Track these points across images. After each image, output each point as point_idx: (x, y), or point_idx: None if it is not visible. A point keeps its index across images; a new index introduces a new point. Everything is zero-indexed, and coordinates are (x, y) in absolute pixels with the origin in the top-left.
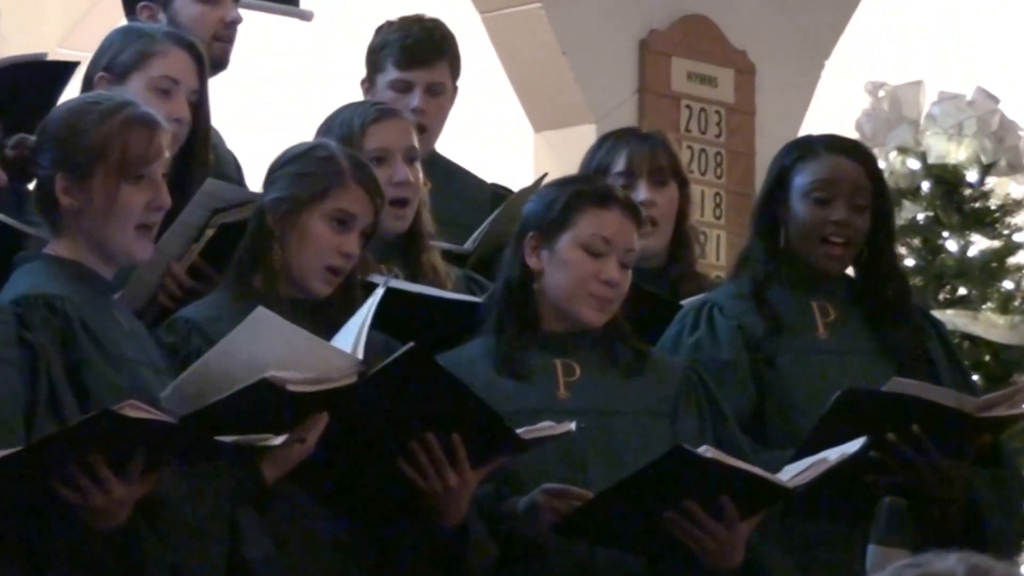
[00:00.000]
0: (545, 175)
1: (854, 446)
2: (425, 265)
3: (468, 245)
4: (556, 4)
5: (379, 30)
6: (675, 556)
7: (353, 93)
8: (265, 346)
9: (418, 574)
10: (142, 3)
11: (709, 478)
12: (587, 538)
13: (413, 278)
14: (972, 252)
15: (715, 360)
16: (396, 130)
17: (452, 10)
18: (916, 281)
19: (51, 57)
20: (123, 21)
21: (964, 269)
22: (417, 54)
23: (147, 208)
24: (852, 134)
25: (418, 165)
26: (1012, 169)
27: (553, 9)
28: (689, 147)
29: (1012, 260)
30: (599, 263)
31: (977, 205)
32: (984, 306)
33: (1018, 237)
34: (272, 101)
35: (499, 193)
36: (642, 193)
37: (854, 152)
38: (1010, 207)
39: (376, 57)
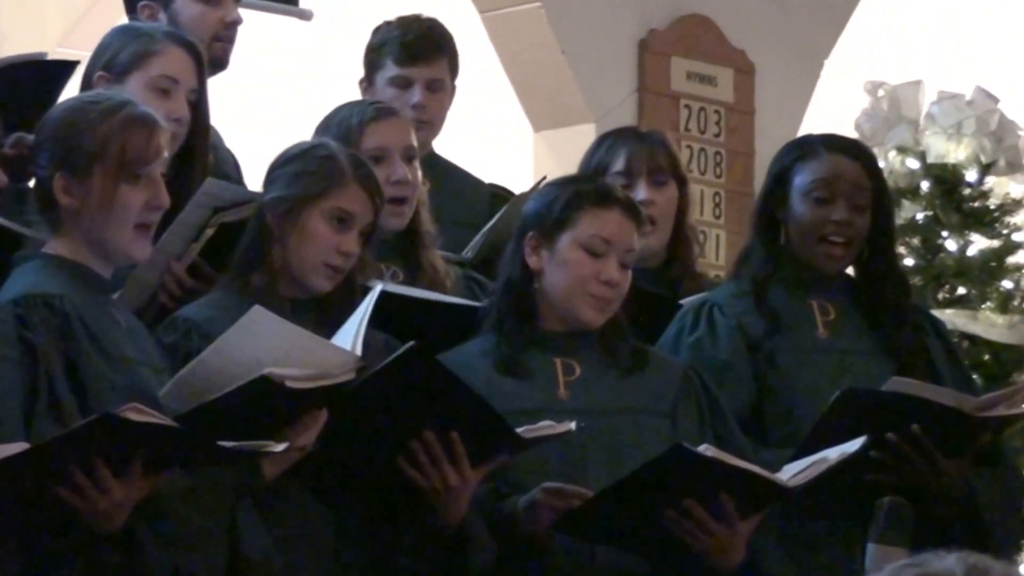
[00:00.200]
0: (544, 179)
1: (854, 445)
2: (425, 264)
3: (468, 253)
4: (556, 4)
5: (377, 30)
6: (675, 555)
7: (353, 93)
8: (262, 344)
9: (418, 573)
10: (143, 2)
11: (709, 477)
12: (587, 537)
13: (413, 277)
14: (971, 252)
15: (715, 359)
16: (394, 129)
17: (452, 10)
18: (915, 281)
19: (51, 56)
20: (123, 20)
21: (963, 268)
22: (417, 50)
23: (146, 207)
24: (851, 134)
25: (417, 164)
26: (1011, 168)
27: (553, 9)
28: (688, 147)
29: (1011, 259)
30: (599, 263)
31: (976, 205)
32: (983, 305)
33: (1017, 237)
34: (272, 101)
35: (497, 193)
36: (641, 192)
37: (854, 151)
38: (1009, 206)
39: (375, 56)
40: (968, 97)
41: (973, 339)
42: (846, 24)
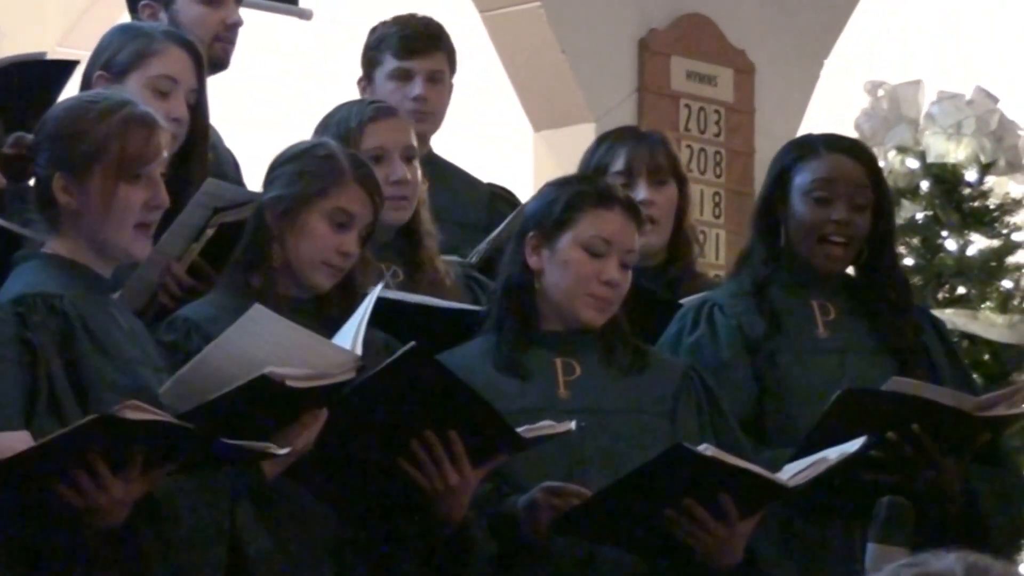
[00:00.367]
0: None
1: (854, 445)
2: (425, 263)
3: (472, 258)
4: (556, 3)
5: (373, 30)
6: (674, 555)
7: (353, 93)
8: (262, 342)
9: (419, 572)
10: (144, 1)
11: (708, 476)
12: (586, 536)
13: (412, 277)
14: (971, 251)
15: (715, 359)
16: (393, 129)
17: (452, 9)
18: (915, 280)
19: (51, 56)
20: (123, 19)
21: (963, 268)
22: (417, 43)
23: (145, 207)
24: (851, 133)
25: (416, 163)
26: (1011, 168)
27: (552, 8)
28: (688, 146)
29: (1011, 259)
30: (599, 263)
31: (976, 204)
32: (983, 305)
33: (1017, 236)
34: (272, 100)
35: (496, 193)
36: (641, 192)
37: (854, 151)
38: (1009, 206)
39: (374, 53)
40: (968, 97)
41: (973, 339)
42: (846, 24)
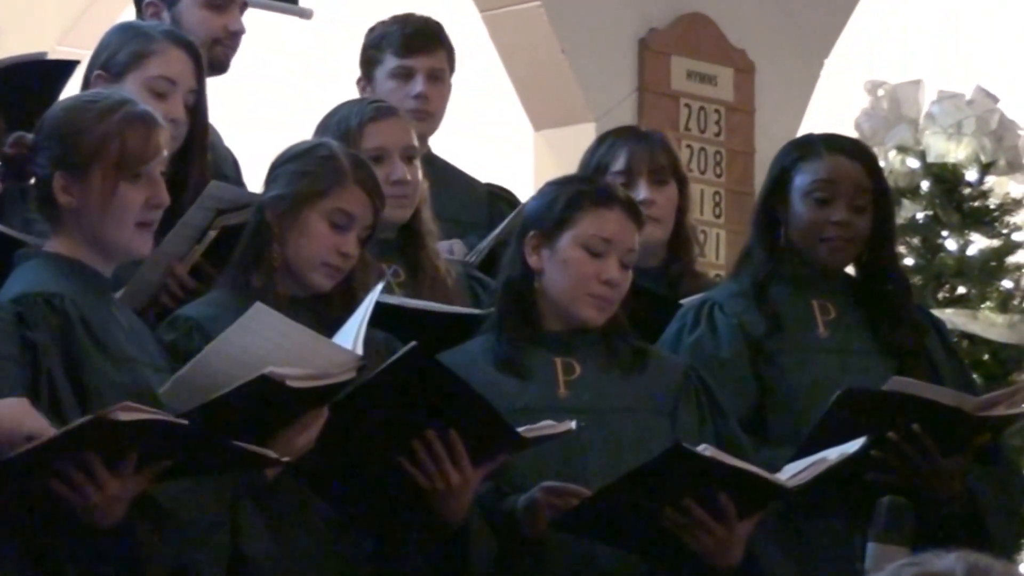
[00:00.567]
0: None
1: (854, 446)
2: (426, 262)
3: (471, 258)
4: (556, 3)
5: (371, 30)
6: (674, 554)
7: (353, 92)
8: (263, 342)
9: (420, 571)
10: (148, 0)
11: (708, 476)
12: (586, 535)
13: (413, 276)
14: (971, 251)
15: (715, 358)
16: (394, 129)
17: (452, 8)
18: (915, 280)
19: (51, 56)
20: (122, 17)
21: (963, 268)
22: (417, 41)
23: (146, 206)
24: (851, 133)
25: (417, 163)
26: (1011, 168)
27: (553, 8)
28: (688, 146)
29: (1011, 259)
30: (600, 263)
31: (976, 204)
32: (983, 305)
33: (1017, 236)
34: (272, 100)
35: (494, 192)
36: (642, 192)
37: (855, 152)
38: (1009, 206)
39: (374, 52)
40: (968, 97)
41: (973, 338)
42: (846, 23)
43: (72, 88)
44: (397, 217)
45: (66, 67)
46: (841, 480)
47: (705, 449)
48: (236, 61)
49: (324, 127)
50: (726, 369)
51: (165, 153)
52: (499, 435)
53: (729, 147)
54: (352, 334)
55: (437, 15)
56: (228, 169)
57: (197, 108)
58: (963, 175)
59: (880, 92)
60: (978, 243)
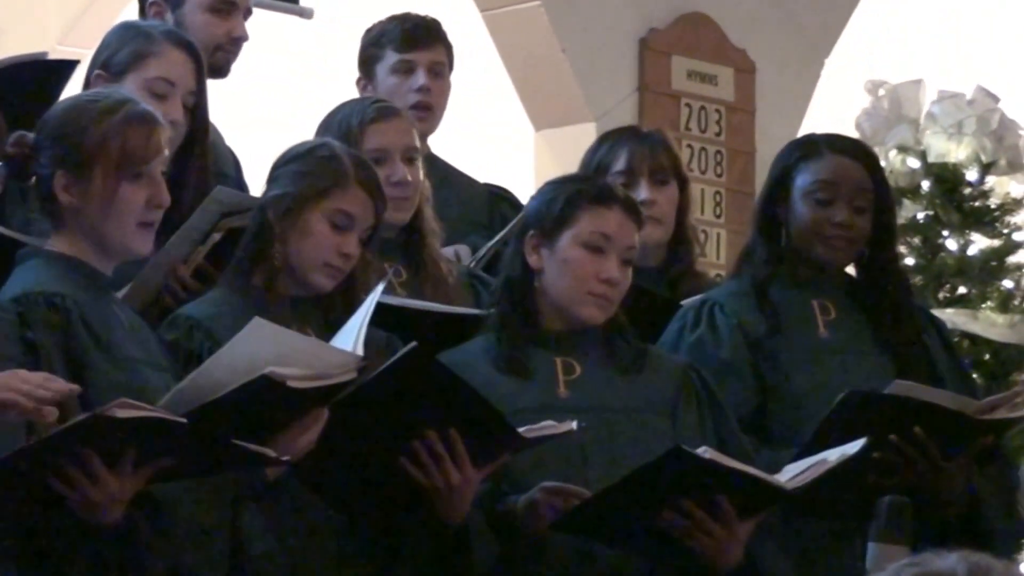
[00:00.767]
0: None
1: (854, 447)
2: (427, 262)
3: (471, 263)
4: (556, 2)
5: (369, 30)
6: (673, 555)
7: (353, 92)
8: (263, 353)
9: (420, 571)
10: (151, 0)
11: (707, 479)
12: (586, 535)
13: (415, 275)
14: (972, 251)
15: (715, 358)
16: (395, 130)
17: (452, 8)
18: (916, 280)
19: (51, 55)
20: (123, 17)
21: (964, 268)
22: (417, 35)
23: (147, 205)
24: (852, 133)
25: (419, 164)
26: (1012, 168)
27: (553, 7)
28: (689, 146)
29: (1012, 259)
30: (600, 262)
31: (977, 204)
32: (984, 305)
33: (1018, 236)
34: (272, 100)
35: (494, 192)
36: (643, 192)
37: (857, 153)
38: (1010, 206)
39: (373, 50)
40: (969, 96)
41: (973, 338)
42: (847, 23)
43: (73, 88)
44: (397, 219)
45: (67, 67)
46: (842, 481)
47: (705, 452)
48: (237, 60)
49: (325, 127)
50: (726, 369)
51: (166, 153)
52: (500, 435)
53: (730, 147)
54: (353, 335)
55: (437, 15)
56: (229, 168)
57: (197, 109)
58: (964, 175)
59: (881, 92)
60: (979, 243)
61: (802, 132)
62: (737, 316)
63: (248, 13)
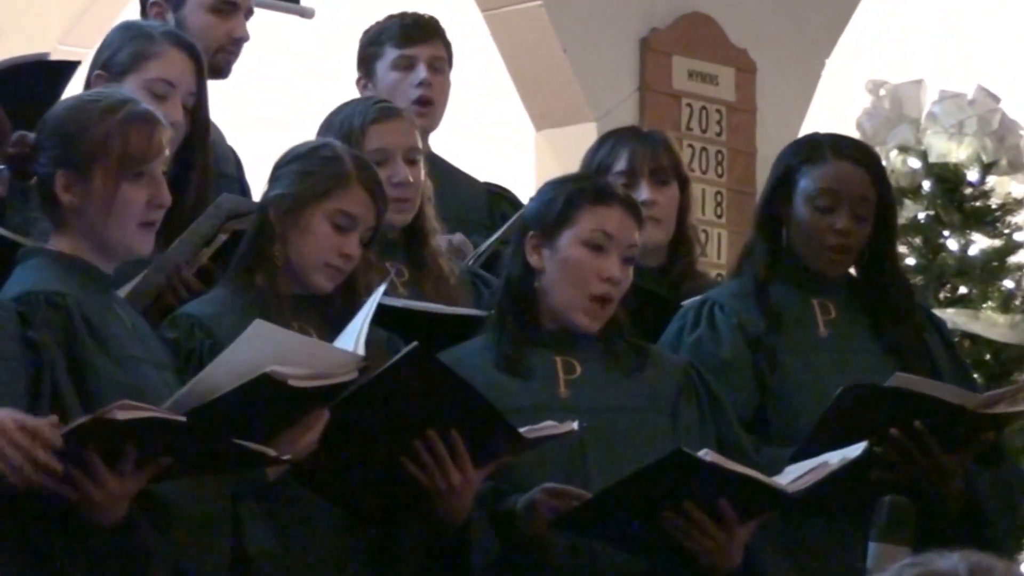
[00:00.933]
0: None
1: (856, 450)
2: (429, 261)
3: (470, 262)
4: (557, 2)
5: (368, 29)
6: (674, 555)
7: (354, 92)
8: (265, 355)
9: (421, 571)
10: (152, 0)
11: (708, 481)
12: (586, 535)
13: (417, 275)
14: (973, 251)
15: (715, 358)
16: (397, 130)
17: (454, 8)
18: (917, 280)
19: (53, 55)
20: (124, 17)
21: (965, 268)
22: (416, 31)
23: (148, 205)
24: (853, 133)
25: (421, 164)
26: (1013, 168)
27: (554, 7)
28: (690, 145)
29: (1013, 259)
30: (600, 260)
31: (978, 204)
32: (985, 305)
33: (1019, 236)
34: (273, 100)
35: (493, 191)
36: (644, 192)
37: (861, 158)
38: (1011, 206)
39: (373, 48)
40: (970, 96)
41: (974, 338)
42: (848, 23)
43: (74, 88)
44: (398, 220)
45: (68, 67)
46: (843, 480)
47: (706, 454)
48: (238, 61)
49: (327, 127)
50: (726, 369)
51: (167, 152)
52: (500, 435)
53: (731, 147)
54: (354, 335)
55: (438, 15)
56: (230, 168)
57: (197, 109)
58: (964, 175)
59: (882, 92)
60: (979, 243)
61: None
62: (737, 315)
63: (249, 13)
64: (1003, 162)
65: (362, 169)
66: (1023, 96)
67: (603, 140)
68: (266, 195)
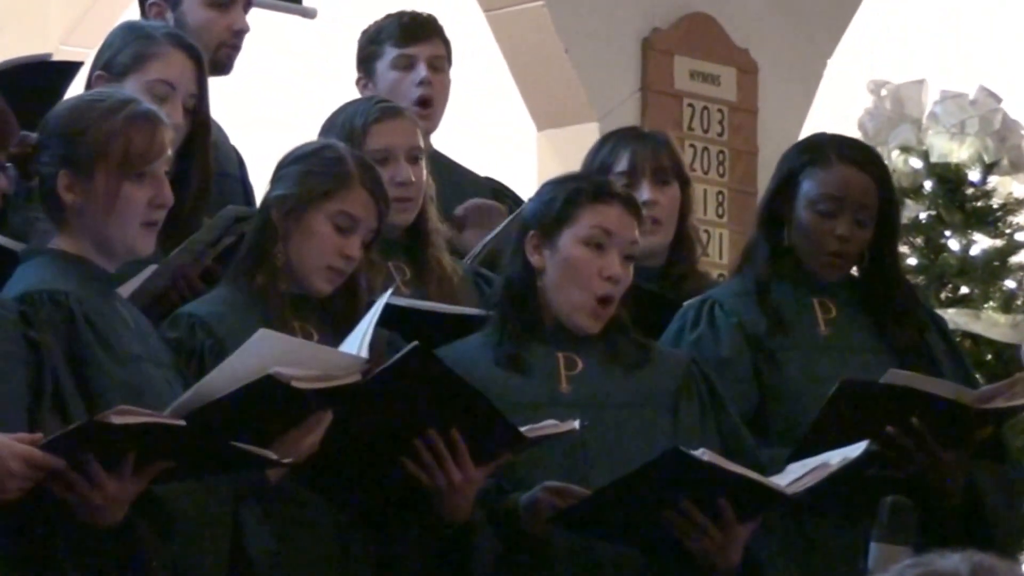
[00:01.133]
0: None
1: (856, 450)
2: (431, 261)
3: (468, 261)
4: (559, 2)
5: (367, 29)
6: (674, 554)
7: (355, 92)
8: (269, 363)
9: (423, 570)
10: (151, 0)
11: (706, 480)
12: (586, 532)
13: (419, 275)
14: (974, 251)
15: (715, 357)
16: (399, 130)
17: (455, 8)
18: (918, 280)
19: (55, 56)
20: (126, 16)
21: (966, 268)
22: (416, 30)
23: (150, 205)
24: (854, 133)
25: (423, 164)
26: (1014, 168)
27: (556, 7)
28: (692, 145)
29: (1014, 259)
30: (601, 259)
31: (979, 204)
32: (986, 305)
33: (1020, 236)
34: (275, 100)
35: (495, 188)
36: (645, 193)
37: (866, 163)
38: (1012, 206)
39: (373, 47)
40: (971, 97)
41: (975, 339)
42: (849, 23)
43: (76, 89)
44: (400, 221)
45: (70, 68)
46: (843, 480)
47: (703, 454)
48: (239, 60)
49: (329, 127)
50: (726, 368)
51: (170, 152)
52: (501, 434)
53: (732, 147)
54: (358, 338)
55: (440, 14)
56: (233, 168)
57: (198, 110)
58: (966, 175)
59: (883, 92)
60: (981, 243)
61: (804, 132)
62: (737, 315)
63: (248, 5)
64: (1005, 162)
65: (365, 171)
66: (1023, 96)
67: (604, 140)
68: (268, 195)
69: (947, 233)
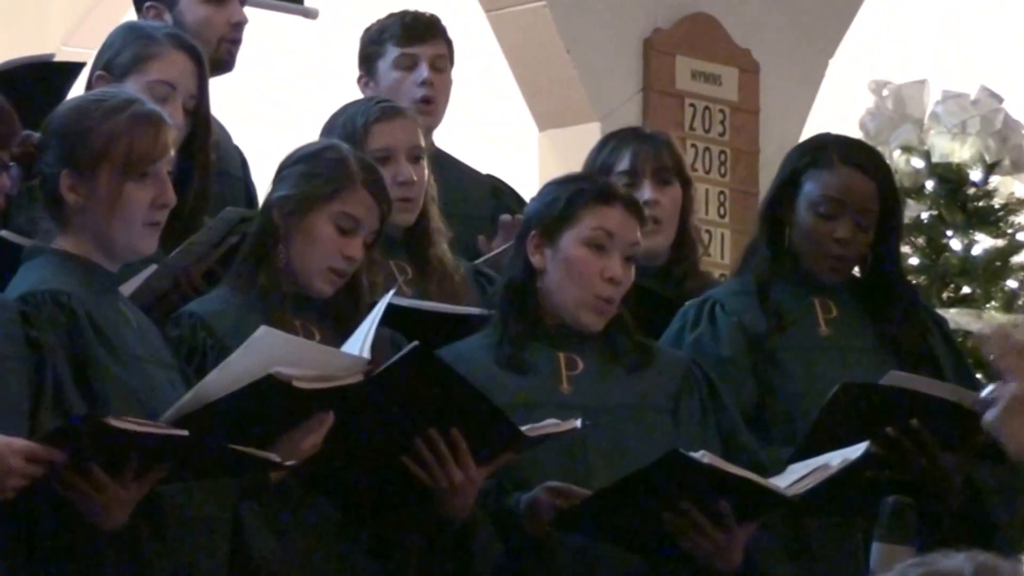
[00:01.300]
0: None
1: (856, 452)
2: (433, 260)
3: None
4: (561, 2)
5: (369, 28)
6: (673, 555)
7: (356, 93)
8: (271, 362)
9: (423, 570)
10: (148, 3)
11: (706, 483)
12: (586, 533)
13: (421, 274)
14: (976, 251)
15: (716, 357)
16: (400, 129)
17: (457, 8)
18: (920, 280)
19: (57, 57)
20: (127, 17)
21: (968, 268)
22: (418, 29)
23: (152, 205)
24: (856, 133)
25: (424, 163)
26: (1016, 168)
27: (558, 7)
28: (693, 146)
29: (1016, 259)
30: (602, 260)
31: (981, 204)
32: (988, 305)
33: (1022, 236)
34: (276, 99)
35: (497, 185)
36: (646, 193)
37: (868, 166)
38: (1014, 206)
39: (375, 47)
40: (973, 96)
41: None
42: (851, 23)
43: (77, 89)
44: (402, 220)
45: (73, 68)
46: (843, 481)
47: (703, 456)
48: (241, 60)
49: (330, 127)
50: (727, 368)
51: (172, 152)
52: (502, 434)
53: (734, 147)
54: (360, 339)
55: (441, 14)
56: (235, 168)
57: (199, 113)
58: (967, 175)
59: (885, 92)
60: (983, 243)
61: (806, 132)
62: (737, 314)
63: None
64: (1006, 162)
65: (367, 172)
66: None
67: (606, 140)
68: (270, 196)
69: (949, 233)
